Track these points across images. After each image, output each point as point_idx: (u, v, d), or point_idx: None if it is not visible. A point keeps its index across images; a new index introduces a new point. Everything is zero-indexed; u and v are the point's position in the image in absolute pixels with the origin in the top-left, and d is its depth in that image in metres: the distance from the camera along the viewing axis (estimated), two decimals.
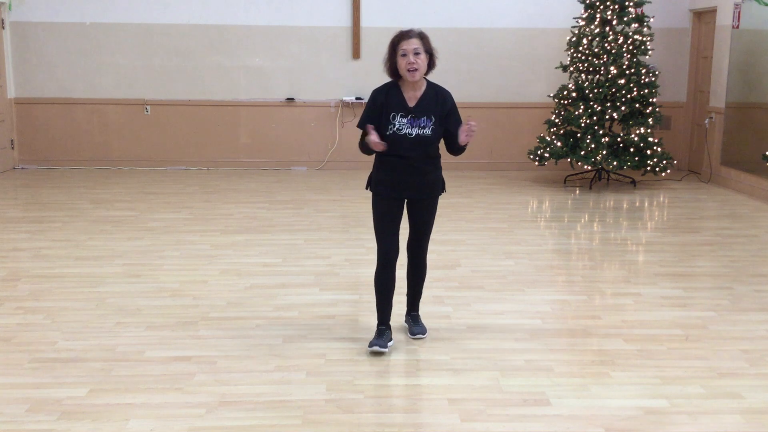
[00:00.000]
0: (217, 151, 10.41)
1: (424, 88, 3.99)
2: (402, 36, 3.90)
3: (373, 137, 3.85)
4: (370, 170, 4.15)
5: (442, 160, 4.22)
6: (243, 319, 4.63)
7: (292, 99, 10.32)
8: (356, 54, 10.19)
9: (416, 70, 3.86)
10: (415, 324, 4.35)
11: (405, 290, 4.46)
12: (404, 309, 4.51)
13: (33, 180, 9.54)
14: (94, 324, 4.51)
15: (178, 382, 3.73)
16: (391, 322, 4.31)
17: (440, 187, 4.19)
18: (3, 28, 9.92)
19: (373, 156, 4.09)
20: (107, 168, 10.31)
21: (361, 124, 4.00)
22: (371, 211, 4.14)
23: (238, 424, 3.34)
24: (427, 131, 3.94)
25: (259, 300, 4.98)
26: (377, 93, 4.00)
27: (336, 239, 6.63)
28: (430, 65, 3.95)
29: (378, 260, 4.10)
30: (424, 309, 4.67)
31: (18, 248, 6.24)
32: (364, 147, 4.03)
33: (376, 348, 4.04)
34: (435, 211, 4.19)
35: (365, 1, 10.06)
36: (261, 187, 9.15)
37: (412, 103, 3.95)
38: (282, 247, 6.29)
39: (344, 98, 10.22)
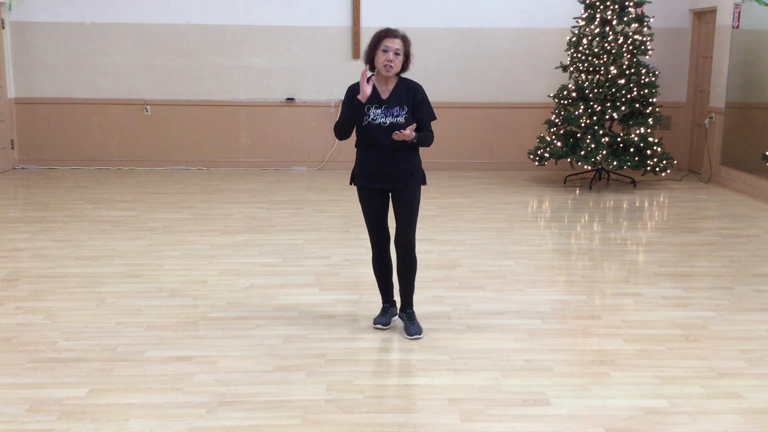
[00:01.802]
0: (217, 151, 10.41)
1: (396, 82, 4.24)
2: (388, 33, 4.14)
3: (364, 85, 4.09)
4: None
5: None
6: (243, 319, 4.63)
7: (292, 99, 10.32)
8: (356, 54, 10.18)
9: (392, 68, 4.11)
10: (410, 323, 4.38)
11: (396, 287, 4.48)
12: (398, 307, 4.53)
13: (33, 180, 9.54)
14: (94, 324, 4.51)
15: (178, 382, 3.73)
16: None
17: (419, 178, 4.31)
18: (3, 28, 9.92)
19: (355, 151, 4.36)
20: (107, 168, 10.31)
21: (339, 116, 4.30)
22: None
23: (238, 424, 3.34)
24: (400, 119, 4.16)
25: (259, 300, 4.98)
26: (353, 88, 4.23)
27: (336, 239, 6.63)
28: (405, 67, 4.21)
29: (372, 249, 4.42)
30: (425, 309, 4.68)
31: (18, 248, 6.24)
32: (344, 124, 4.24)
33: (378, 326, 4.43)
34: (417, 201, 4.30)
35: (365, 1, 10.06)
36: (261, 187, 9.15)
37: (385, 95, 4.20)
38: (282, 247, 6.29)
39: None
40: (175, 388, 3.67)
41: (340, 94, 10.19)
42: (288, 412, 3.45)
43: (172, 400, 3.54)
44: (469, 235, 6.77)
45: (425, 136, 4.24)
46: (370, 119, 4.19)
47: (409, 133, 4.07)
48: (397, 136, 4.07)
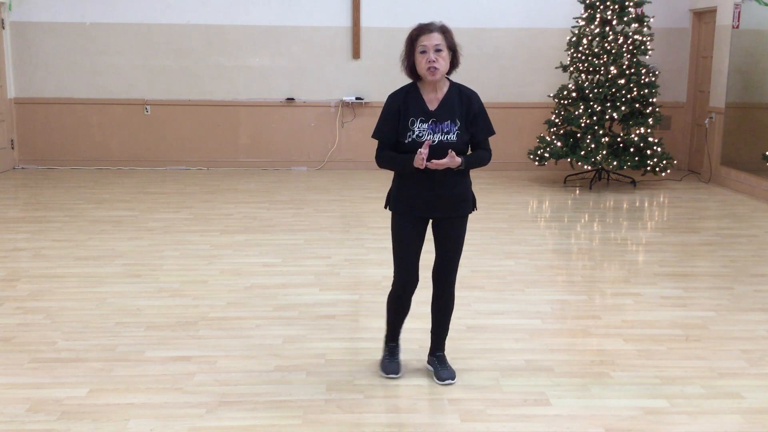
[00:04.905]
0: (217, 151, 10.42)
1: (446, 88, 3.56)
2: (421, 30, 3.48)
3: (422, 153, 3.40)
4: (390, 183, 3.74)
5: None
6: (243, 319, 4.63)
7: (292, 99, 10.32)
8: (356, 54, 10.19)
9: (437, 69, 3.43)
10: (442, 367, 3.80)
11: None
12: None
13: (33, 180, 9.54)
14: (94, 324, 4.51)
15: (178, 382, 3.73)
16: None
17: (471, 204, 3.69)
18: (3, 28, 9.92)
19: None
20: (107, 168, 10.31)
21: (379, 134, 3.59)
22: (389, 226, 3.74)
23: (238, 424, 3.34)
24: (452, 137, 3.49)
25: (259, 300, 4.98)
26: (394, 97, 3.56)
27: (336, 239, 6.63)
28: (453, 63, 3.52)
29: (395, 286, 3.71)
30: (425, 309, 4.67)
31: (18, 248, 6.24)
32: (391, 162, 3.58)
33: (392, 375, 3.79)
34: (464, 233, 3.70)
35: (365, 1, 10.06)
36: (261, 187, 9.15)
37: (433, 106, 3.52)
38: (282, 247, 6.29)
39: (344, 98, 10.22)
40: (175, 388, 3.67)
41: (340, 94, 10.30)
42: (288, 412, 3.45)
43: (172, 400, 3.54)
44: (469, 235, 6.71)
45: (478, 158, 3.58)
46: (414, 135, 3.48)
47: (449, 161, 3.40)
48: (434, 164, 3.39)
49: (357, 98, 10.18)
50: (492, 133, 3.65)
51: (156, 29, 10.11)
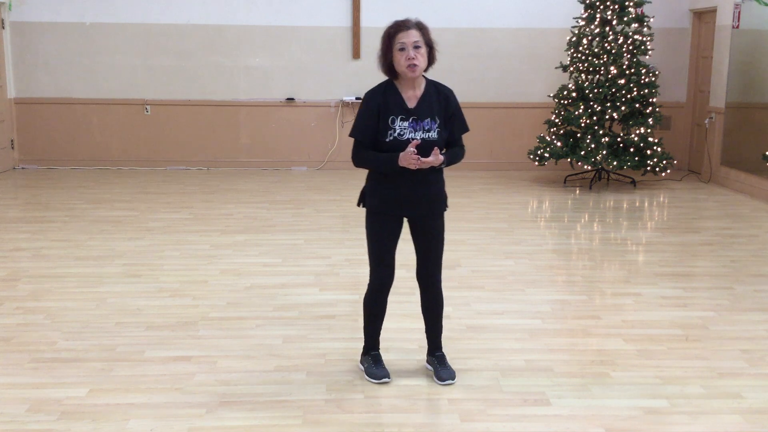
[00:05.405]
0: (217, 151, 10.41)
1: (423, 86, 3.56)
2: (399, 27, 3.47)
3: (410, 150, 3.40)
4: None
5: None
6: (243, 319, 4.63)
7: (292, 99, 10.32)
8: (356, 54, 10.19)
9: (416, 66, 3.43)
10: (442, 367, 3.79)
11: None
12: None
13: (33, 180, 9.54)
14: (94, 324, 4.51)
15: (178, 382, 3.73)
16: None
17: (444, 202, 3.70)
18: (3, 28, 9.92)
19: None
20: (107, 168, 10.30)
21: (357, 133, 3.57)
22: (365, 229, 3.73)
23: (238, 424, 3.34)
24: (433, 134, 3.50)
25: (259, 300, 4.98)
26: (371, 96, 3.56)
27: (336, 239, 6.63)
28: (430, 60, 3.51)
29: (371, 286, 3.76)
30: None
31: (18, 248, 6.24)
32: (373, 162, 3.56)
33: (385, 380, 3.74)
34: (443, 230, 3.70)
35: (365, 1, 10.06)
36: (261, 187, 9.15)
37: (412, 104, 3.51)
38: (282, 247, 6.29)
39: (344, 98, 10.22)
40: (175, 388, 3.67)
41: (340, 94, 10.29)
42: (288, 412, 3.45)
43: (172, 400, 3.55)
44: (469, 235, 6.76)
45: (456, 155, 3.62)
46: (396, 134, 3.48)
47: (434, 159, 3.42)
48: (421, 163, 3.40)
49: (357, 98, 10.17)
50: (467, 129, 3.68)
51: (156, 29, 10.11)
